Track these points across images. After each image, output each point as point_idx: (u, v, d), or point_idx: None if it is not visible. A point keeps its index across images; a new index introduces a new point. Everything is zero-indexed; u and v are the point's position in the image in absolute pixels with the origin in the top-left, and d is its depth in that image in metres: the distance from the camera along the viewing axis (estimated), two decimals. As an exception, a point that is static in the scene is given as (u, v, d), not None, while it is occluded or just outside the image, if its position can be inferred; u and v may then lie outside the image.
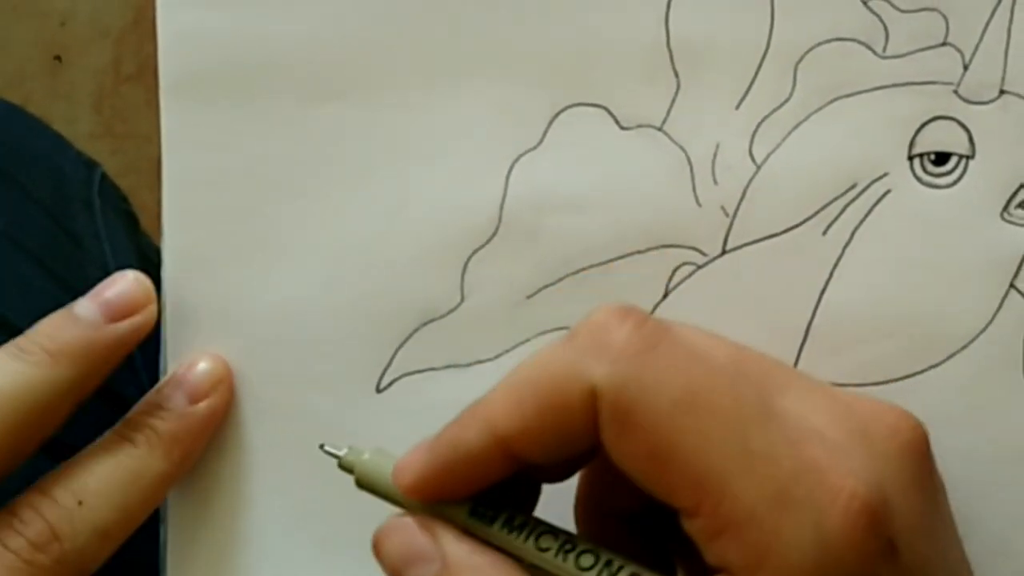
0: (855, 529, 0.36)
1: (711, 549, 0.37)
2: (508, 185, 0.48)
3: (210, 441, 0.48)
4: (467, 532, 0.41)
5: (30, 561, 0.43)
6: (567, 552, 0.40)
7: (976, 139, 0.47)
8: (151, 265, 0.49)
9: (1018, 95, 0.47)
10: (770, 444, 0.37)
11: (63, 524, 0.44)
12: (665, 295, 0.48)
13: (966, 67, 0.47)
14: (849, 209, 0.47)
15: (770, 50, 0.47)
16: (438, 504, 0.41)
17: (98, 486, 0.45)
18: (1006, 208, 0.47)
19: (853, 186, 0.47)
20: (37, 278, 0.66)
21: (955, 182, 0.47)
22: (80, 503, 0.44)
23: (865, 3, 0.47)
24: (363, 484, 0.43)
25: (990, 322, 0.47)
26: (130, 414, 0.47)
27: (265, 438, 0.49)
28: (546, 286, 0.48)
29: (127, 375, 0.49)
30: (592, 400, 0.38)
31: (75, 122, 1.61)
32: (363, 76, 0.48)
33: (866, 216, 0.47)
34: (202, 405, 0.47)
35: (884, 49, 0.47)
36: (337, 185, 0.48)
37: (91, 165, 0.76)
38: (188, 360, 0.48)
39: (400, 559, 0.40)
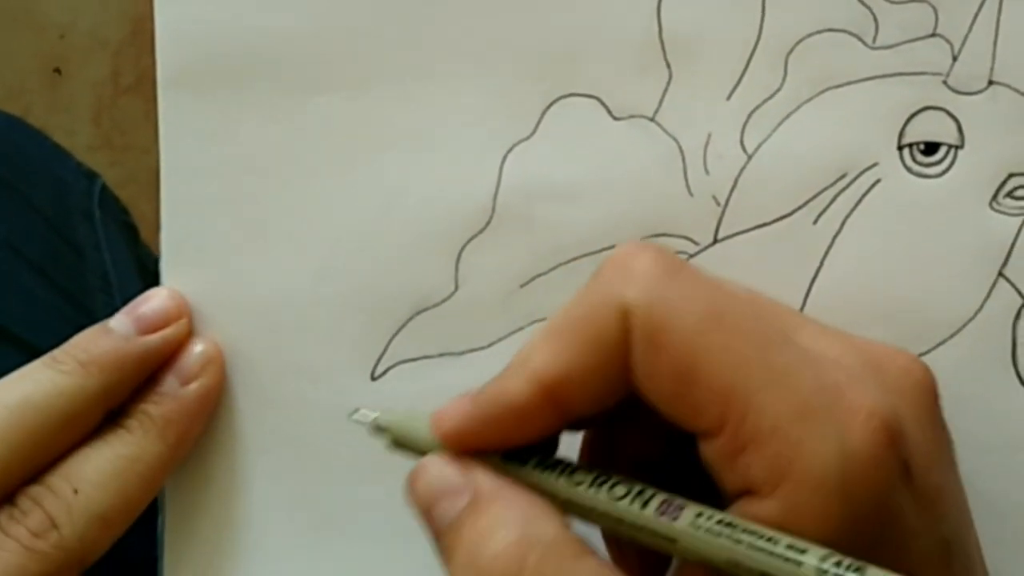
0: (876, 445, 0.37)
1: (734, 468, 0.38)
2: (501, 175, 0.48)
3: (206, 427, 0.48)
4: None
5: (30, 548, 0.44)
6: (600, 485, 0.40)
7: (965, 129, 0.47)
8: (150, 275, 0.50)
9: (1007, 85, 0.47)
10: (791, 363, 0.38)
11: (61, 513, 0.44)
12: (657, 284, 0.48)
13: (955, 58, 0.47)
14: (839, 199, 0.48)
15: (761, 41, 0.48)
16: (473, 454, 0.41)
17: (94, 474, 0.45)
18: (995, 197, 0.47)
19: (843, 176, 0.48)
20: (39, 288, 0.67)
21: (944, 172, 0.48)
22: (76, 491, 0.45)
23: (855, -6, 0.47)
24: (399, 443, 0.43)
25: (978, 310, 0.48)
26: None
27: (260, 427, 0.49)
28: (539, 275, 0.48)
29: None
30: (625, 322, 0.38)
31: (74, 134, 1.61)
32: (357, 67, 0.48)
33: (856, 205, 0.48)
34: (193, 386, 0.47)
35: (874, 40, 0.48)
36: (332, 175, 0.49)
37: (91, 176, 0.77)
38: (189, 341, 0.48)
39: (431, 493, 0.40)
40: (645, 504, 0.39)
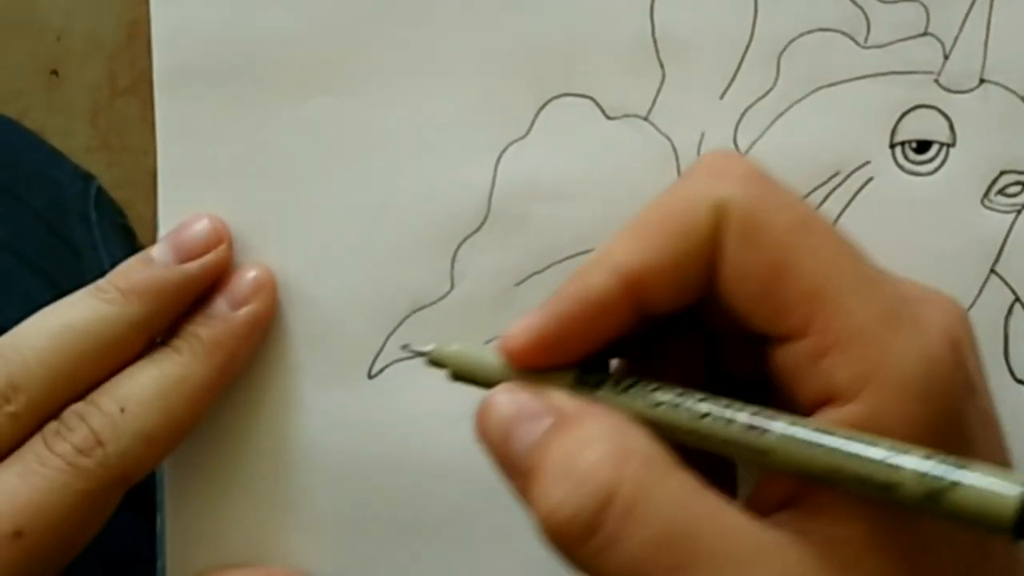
0: (954, 354, 0.38)
1: (818, 371, 0.38)
2: (496, 174, 0.48)
3: (254, 353, 0.49)
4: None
5: (75, 464, 0.44)
6: (683, 402, 0.39)
7: (957, 127, 0.48)
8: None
9: (998, 84, 0.48)
10: (876, 272, 0.39)
11: (106, 430, 0.45)
12: (651, 282, 0.48)
13: (947, 56, 0.48)
14: (832, 197, 0.48)
15: (754, 40, 0.48)
16: (543, 375, 0.40)
17: (141, 393, 0.46)
18: (986, 195, 0.48)
19: (836, 174, 0.48)
20: (36, 287, 0.67)
21: (936, 169, 0.48)
22: (123, 410, 0.45)
23: (847, -6, 0.48)
24: (461, 375, 0.42)
25: (971, 306, 0.48)
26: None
27: (259, 425, 0.49)
28: (534, 273, 0.48)
29: None
30: (718, 219, 0.39)
31: (71, 136, 1.61)
32: (352, 69, 0.48)
33: (849, 203, 0.48)
34: (244, 310, 0.47)
35: (866, 39, 0.48)
36: (327, 176, 0.49)
37: (87, 178, 0.77)
38: (240, 266, 0.49)
39: (507, 422, 0.39)
40: (732, 420, 0.38)
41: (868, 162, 0.48)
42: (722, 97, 0.48)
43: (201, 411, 0.47)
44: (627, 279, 0.39)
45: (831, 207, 0.48)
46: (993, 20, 0.47)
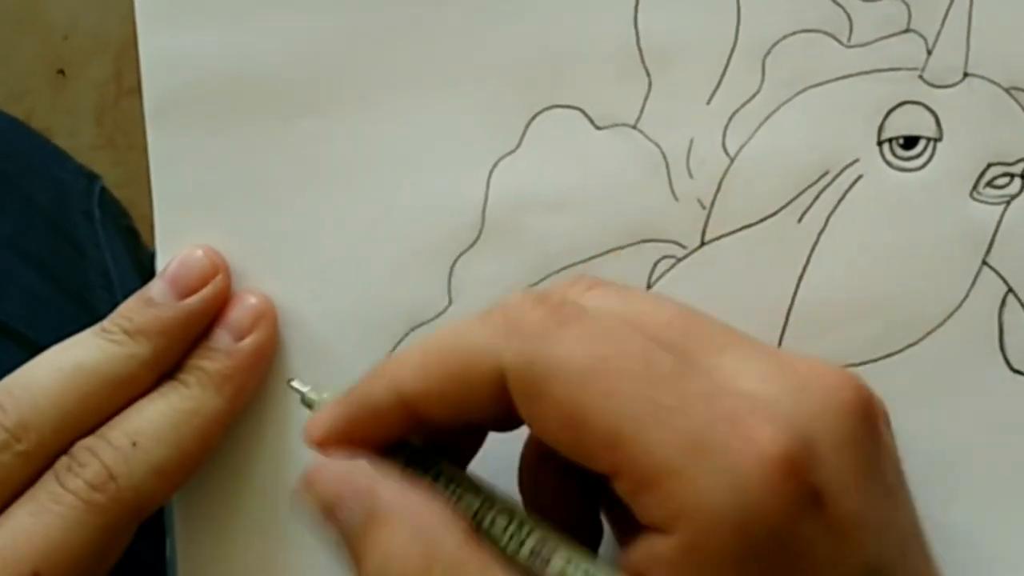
0: (772, 474, 0.36)
1: (637, 508, 0.37)
2: (489, 188, 0.49)
3: (263, 380, 0.49)
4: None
5: (88, 500, 0.44)
6: (484, 512, 0.40)
7: (943, 122, 0.48)
8: (149, 275, 0.50)
9: (982, 76, 0.48)
10: (683, 398, 0.37)
11: (119, 464, 0.45)
12: (648, 289, 0.48)
13: (930, 52, 0.48)
14: (822, 196, 0.48)
15: (738, 44, 0.48)
16: (374, 453, 0.42)
17: (152, 427, 0.46)
18: (975, 187, 0.48)
19: (825, 173, 0.48)
20: (40, 285, 0.67)
21: (924, 164, 0.48)
22: (134, 444, 0.45)
23: (828, -6, 0.48)
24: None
25: (964, 299, 0.48)
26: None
27: (262, 443, 0.50)
28: (530, 285, 0.48)
29: None
30: (499, 378, 0.39)
31: (77, 134, 1.61)
32: (343, 89, 0.49)
33: (839, 202, 0.48)
34: (247, 341, 0.48)
35: (849, 38, 0.48)
36: (322, 196, 0.49)
37: (91, 177, 0.77)
38: (238, 296, 0.49)
39: (332, 495, 0.40)
40: (522, 543, 0.39)
41: (857, 160, 0.48)
42: (709, 102, 0.48)
43: (211, 443, 0.47)
44: (404, 400, 0.41)
45: (821, 207, 0.48)
46: (974, 14, 0.47)
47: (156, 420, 0.46)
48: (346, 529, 0.40)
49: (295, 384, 0.46)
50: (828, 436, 0.38)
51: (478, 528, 0.40)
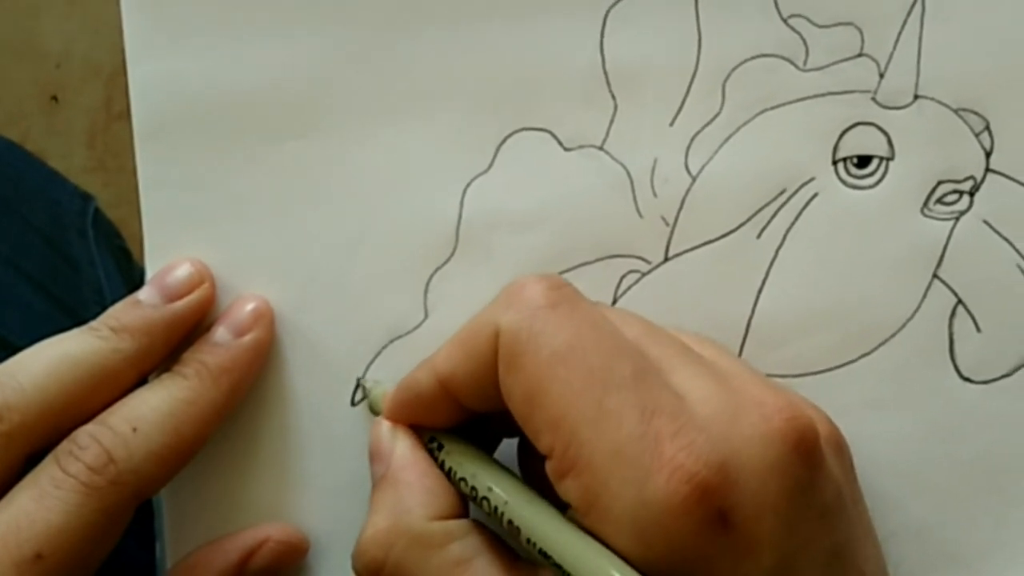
0: (676, 495, 0.38)
1: (559, 488, 0.40)
2: (463, 207, 0.49)
3: (256, 378, 0.50)
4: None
5: (88, 483, 0.44)
6: (465, 482, 0.44)
7: (895, 142, 0.48)
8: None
9: (932, 98, 0.48)
10: (623, 407, 0.40)
11: (118, 448, 0.45)
12: (614, 302, 0.49)
13: (882, 75, 0.48)
14: (780, 213, 0.48)
15: (699, 69, 0.48)
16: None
17: (152, 414, 0.46)
18: (926, 204, 0.48)
19: (783, 191, 0.48)
20: (37, 300, 0.67)
21: (877, 183, 0.48)
22: (135, 430, 0.45)
23: (785, 20, 0.48)
24: (372, 409, 0.48)
25: (916, 310, 0.48)
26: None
27: (249, 454, 0.50)
28: (503, 299, 0.48)
29: None
30: (495, 342, 0.42)
31: (70, 157, 1.61)
32: (323, 113, 0.49)
33: (796, 219, 0.48)
34: (247, 338, 0.48)
35: (805, 63, 0.48)
36: (304, 215, 0.49)
37: (86, 198, 0.77)
38: (238, 298, 0.49)
39: (370, 450, 0.47)
40: (500, 518, 0.43)
41: (813, 179, 0.48)
42: (672, 124, 0.49)
43: (208, 433, 0.47)
44: (441, 382, 0.45)
45: (779, 223, 0.48)
46: (924, 39, 0.48)
47: (156, 407, 0.46)
48: (372, 483, 0.46)
49: (366, 381, 0.49)
50: (751, 462, 0.39)
51: (474, 499, 0.44)
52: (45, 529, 0.43)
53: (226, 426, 0.49)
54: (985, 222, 0.48)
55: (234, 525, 0.50)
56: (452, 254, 0.49)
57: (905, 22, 0.48)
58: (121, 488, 0.45)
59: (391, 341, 0.49)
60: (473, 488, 0.44)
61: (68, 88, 1.65)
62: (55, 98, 1.65)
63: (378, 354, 0.49)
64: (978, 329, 0.49)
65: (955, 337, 0.49)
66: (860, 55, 0.48)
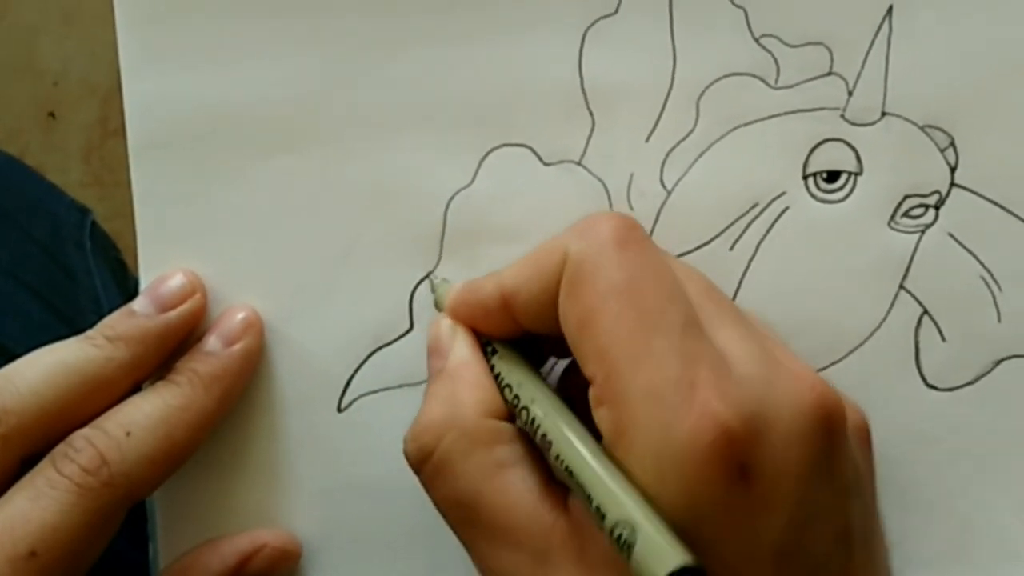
0: (701, 439, 0.38)
1: (595, 415, 0.41)
2: (447, 221, 0.49)
3: (246, 386, 0.50)
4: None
5: (82, 484, 0.44)
6: (510, 389, 0.45)
7: (863, 157, 0.49)
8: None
9: (898, 116, 0.49)
10: (666, 351, 0.40)
11: (112, 452, 0.45)
12: (592, 311, 0.49)
13: (851, 93, 0.49)
14: (753, 226, 0.49)
15: (674, 87, 0.49)
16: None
17: (145, 419, 0.46)
18: (893, 217, 0.49)
19: (755, 205, 0.49)
20: (36, 309, 0.67)
21: (846, 197, 0.49)
22: (128, 434, 0.46)
23: (757, 40, 0.48)
24: (437, 306, 0.49)
25: (883, 320, 0.49)
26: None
27: (239, 458, 0.50)
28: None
29: None
30: (563, 266, 0.43)
31: (67, 172, 1.62)
32: (312, 130, 0.49)
33: (768, 231, 0.49)
34: (237, 346, 0.49)
35: (776, 81, 0.49)
36: (294, 228, 0.49)
37: (83, 211, 0.77)
38: (229, 308, 0.50)
39: (429, 345, 0.47)
40: (535, 430, 0.43)
41: (784, 193, 0.49)
42: (648, 140, 0.49)
43: (200, 438, 0.48)
44: (504, 295, 0.45)
45: (751, 236, 0.49)
46: (892, 58, 0.48)
47: (149, 413, 0.46)
48: (428, 374, 0.47)
49: (433, 279, 0.49)
50: (780, 425, 0.39)
51: (514, 408, 0.44)
52: (39, 528, 0.44)
53: (218, 431, 0.49)
54: (950, 235, 0.49)
55: (225, 527, 0.50)
56: (436, 265, 0.49)
57: (873, 42, 0.48)
58: (114, 490, 0.45)
59: (377, 349, 0.50)
60: (516, 397, 0.44)
61: (65, 106, 1.65)
62: (53, 115, 1.65)
63: (364, 362, 0.50)
64: (943, 338, 0.49)
65: (921, 346, 0.49)
66: (830, 74, 0.48)
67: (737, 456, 0.38)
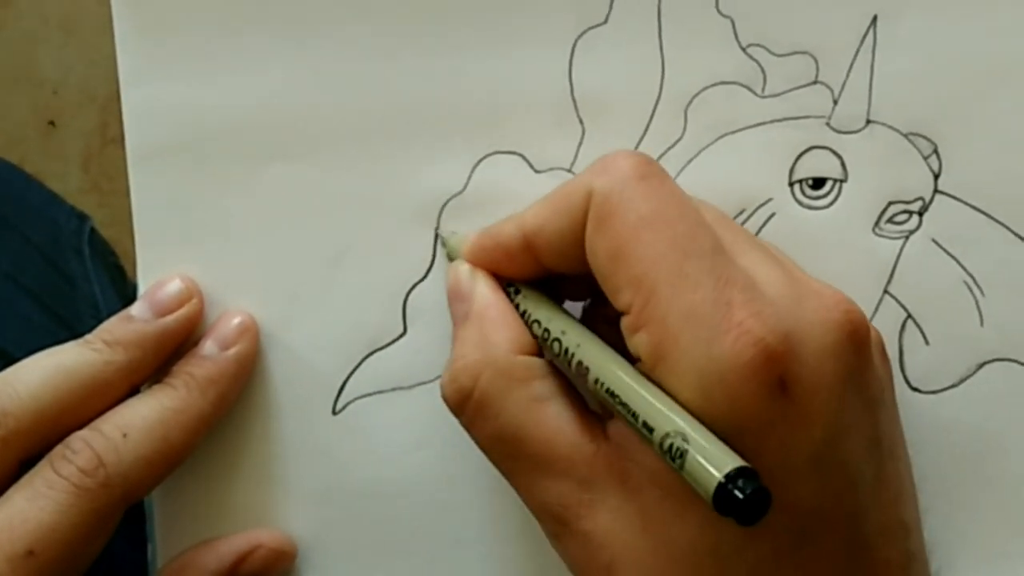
0: (741, 356, 0.39)
1: (631, 342, 0.41)
2: (439, 227, 0.49)
3: (242, 390, 0.50)
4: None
5: (80, 485, 0.45)
6: (539, 324, 0.45)
7: (848, 164, 0.49)
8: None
9: (883, 124, 0.49)
10: (700, 273, 0.40)
11: (109, 453, 0.45)
12: (583, 315, 0.49)
13: (836, 102, 0.49)
14: (740, 232, 0.49)
15: (662, 96, 0.49)
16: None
17: (142, 422, 0.47)
18: (877, 223, 0.49)
19: (742, 211, 0.49)
20: (35, 314, 0.67)
21: (831, 203, 0.49)
22: (125, 436, 0.46)
23: (744, 49, 0.49)
24: (450, 255, 0.49)
25: (868, 324, 0.49)
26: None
27: (235, 460, 0.50)
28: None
29: None
30: (587, 203, 0.43)
31: (66, 179, 1.62)
32: (307, 138, 0.49)
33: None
34: (233, 351, 0.49)
35: (763, 89, 0.49)
36: (289, 234, 0.50)
37: (82, 217, 0.78)
38: (225, 313, 0.50)
39: (450, 291, 0.47)
40: (569, 360, 0.44)
41: (770, 199, 0.49)
42: (637, 147, 0.49)
43: (196, 440, 0.48)
44: (525, 236, 0.45)
45: (739, 242, 0.49)
46: (876, 68, 0.48)
47: (146, 416, 0.47)
48: (453, 320, 0.47)
49: (444, 233, 0.49)
50: (812, 340, 0.40)
51: (544, 342, 0.45)
52: (37, 527, 0.44)
53: (214, 434, 0.49)
54: (933, 240, 0.49)
55: (222, 528, 0.50)
56: (428, 271, 0.50)
57: (858, 51, 0.48)
58: (111, 490, 0.45)
59: (371, 353, 0.50)
60: (546, 330, 0.45)
61: (65, 114, 1.66)
62: (52, 123, 1.66)
63: (358, 366, 0.50)
64: (927, 342, 0.49)
65: (905, 349, 0.49)
66: (815, 82, 0.49)
67: (776, 371, 0.39)
